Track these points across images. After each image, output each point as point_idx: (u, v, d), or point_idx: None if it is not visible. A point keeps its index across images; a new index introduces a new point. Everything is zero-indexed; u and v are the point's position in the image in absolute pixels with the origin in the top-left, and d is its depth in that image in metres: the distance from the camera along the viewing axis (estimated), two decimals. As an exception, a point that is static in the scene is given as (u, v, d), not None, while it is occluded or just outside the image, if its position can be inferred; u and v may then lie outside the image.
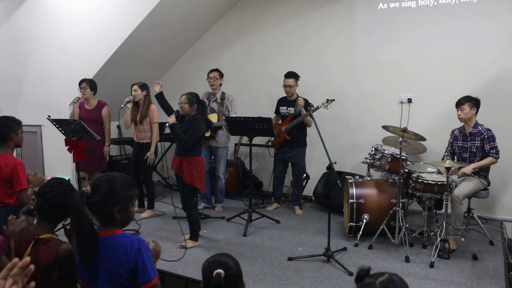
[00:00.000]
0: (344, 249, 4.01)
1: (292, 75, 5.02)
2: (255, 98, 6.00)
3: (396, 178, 4.02)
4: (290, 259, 3.79)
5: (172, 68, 6.70)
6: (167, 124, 4.03)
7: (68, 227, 2.20)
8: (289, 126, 5.01)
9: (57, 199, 2.10)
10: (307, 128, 5.14)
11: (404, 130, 3.98)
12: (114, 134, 6.53)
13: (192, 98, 4.03)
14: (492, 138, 4.02)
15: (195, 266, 3.65)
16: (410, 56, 5.13)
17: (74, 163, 4.49)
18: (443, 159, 4.34)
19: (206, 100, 5.14)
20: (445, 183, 3.77)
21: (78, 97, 5.03)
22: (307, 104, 4.87)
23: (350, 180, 4.37)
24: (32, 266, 1.16)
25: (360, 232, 4.17)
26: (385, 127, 4.27)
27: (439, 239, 3.75)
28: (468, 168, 3.97)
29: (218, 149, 5.22)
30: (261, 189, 6.10)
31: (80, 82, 5.11)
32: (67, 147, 4.35)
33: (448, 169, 3.74)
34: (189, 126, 3.99)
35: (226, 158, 5.41)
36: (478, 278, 3.42)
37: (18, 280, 1.14)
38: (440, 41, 4.95)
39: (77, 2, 5.64)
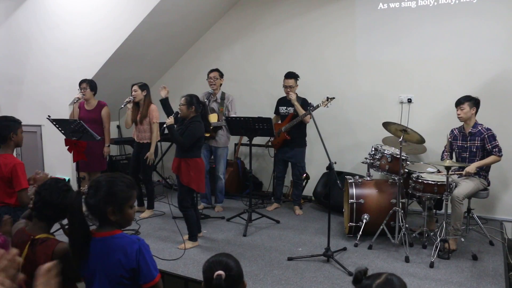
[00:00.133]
0: (344, 249, 4.01)
1: (292, 75, 5.02)
2: (255, 98, 6.00)
3: (396, 178, 4.02)
4: (290, 259, 3.79)
5: (172, 68, 6.70)
6: (164, 125, 4.05)
7: (66, 227, 2.20)
8: (289, 126, 5.01)
9: (51, 197, 2.10)
10: (307, 128, 5.14)
11: (405, 130, 3.98)
12: (114, 134, 6.53)
13: (191, 100, 4.02)
14: (492, 137, 4.03)
15: (195, 266, 3.65)
16: (410, 56, 5.13)
17: (74, 163, 4.49)
18: (442, 157, 4.34)
19: (206, 100, 5.14)
20: (445, 183, 3.77)
21: (78, 97, 5.03)
22: (307, 104, 4.88)
23: (350, 180, 4.37)
24: (20, 259, 1.15)
25: (360, 232, 4.17)
26: (386, 124, 4.24)
27: (439, 239, 3.75)
28: (472, 167, 3.97)
29: (218, 149, 5.22)
30: (261, 189, 6.10)
31: (80, 83, 5.11)
32: (67, 147, 4.35)
33: (448, 169, 3.74)
34: (186, 128, 3.99)
35: (226, 158, 5.41)
36: (478, 278, 3.42)
37: (12, 274, 1.13)
38: (440, 41, 4.95)
39: (77, 2, 5.64)
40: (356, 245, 4.10)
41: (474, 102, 4.11)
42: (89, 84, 5.07)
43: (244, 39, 6.12)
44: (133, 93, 4.85)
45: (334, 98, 4.83)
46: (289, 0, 5.75)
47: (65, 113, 5.56)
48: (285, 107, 5.16)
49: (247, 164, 5.84)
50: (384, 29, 5.23)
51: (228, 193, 5.66)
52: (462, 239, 3.96)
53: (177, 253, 3.94)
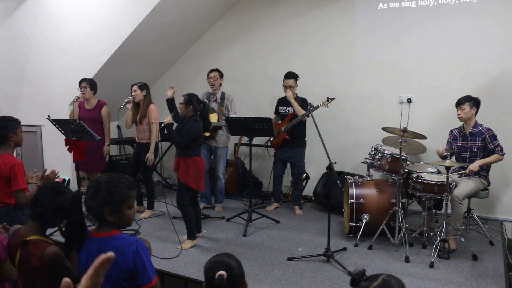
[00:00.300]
0: (344, 249, 4.01)
1: (291, 75, 5.02)
2: (255, 98, 6.00)
3: (396, 178, 4.02)
4: (290, 259, 3.79)
5: (172, 68, 6.70)
6: (162, 124, 4.06)
7: (63, 228, 2.20)
8: (288, 126, 5.01)
9: (42, 198, 2.13)
10: (307, 128, 5.14)
11: (404, 130, 3.98)
12: (114, 134, 6.53)
13: (189, 99, 4.03)
14: (493, 137, 4.03)
15: (195, 266, 3.65)
16: (410, 56, 5.13)
17: (74, 163, 4.49)
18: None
19: (206, 100, 5.14)
20: (445, 183, 3.77)
21: (78, 96, 5.03)
22: (306, 103, 4.88)
23: (350, 180, 4.37)
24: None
25: (360, 232, 4.17)
26: (384, 129, 4.27)
27: (439, 239, 3.75)
28: (475, 165, 3.97)
29: (218, 149, 5.22)
30: (261, 189, 6.09)
31: (80, 82, 5.12)
32: (67, 147, 4.35)
33: (448, 169, 3.74)
34: (183, 127, 4.00)
35: (226, 158, 5.41)
36: (478, 278, 3.42)
37: None
38: (440, 41, 4.95)
39: (77, 2, 5.64)
40: (356, 245, 4.10)
41: (474, 102, 4.11)
42: (89, 83, 5.08)
43: (244, 39, 6.12)
44: (133, 93, 4.85)
45: (334, 98, 4.83)
46: (289, 0, 5.75)
47: (65, 113, 5.55)
48: (285, 107, 5.16)
49: (247, 164, 5.84)
50: (384, 29, 5.23)
51: (228, 193, 5.66)
52: (462, 239, 3.96)
53: (177, 253, 3.93)
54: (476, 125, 4.13)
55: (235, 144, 6.12)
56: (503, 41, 4.69)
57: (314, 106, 4.68)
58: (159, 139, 5.00)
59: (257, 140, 5.28)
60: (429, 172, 4.28)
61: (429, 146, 4.71)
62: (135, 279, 1.80)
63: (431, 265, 3.61)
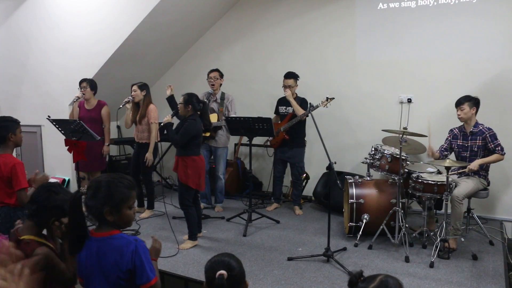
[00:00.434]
0: (344, 249, 4.01)
1: (291, 75, 5.03)
2: (255, 98, 6.00)
3: (396, 178, 4.02)
4: (290, 259, 3.79)
5: (172, 68, 6.70)
6: (162, 124, 4.06)
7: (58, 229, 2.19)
8: (288, 126, 5.01)
9: (37, 197, 2.15)
10: (307, 128, 5.14)
11: (404, 130, 3.98)
12: (114, 134, 6.53)
13: (188, 99, 4.03)
14: (494, 137, 4.03)
15: (195, 266, 3.65)
16: (410, 56, 5.13)
17: (74, 163, 4.49)
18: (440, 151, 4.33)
19: (206, 100, 5.14)
20: (445, 183, 3.77)
21: (78, 96, 5.04)
22: (306, 103, 4.89)
23: (350, 180, 4.37)
24: (17, 252, 1.14)
25: (360, 232, 4.17)
26: (385, 131, 4.26)
27: (439, 239, 3.75)
28: (475, 164, 3.97)
29: (218, 149, 5.22)
30: (261, 189, 6.09)
31: (80, 82, 5.12)
32: (67, 147, 4.35)
33: (448, 169, 3.74)
34: (181, 126, 4.01)
35: (226, 158, 5.41)
36: (478, 278, 3.42)
37: (12, 267, 1.13)
38: (440, 41, 4.95)
39: (77, 2, 5.64)
40: (356, 245, 4.10)
41: (474, 102, 4.11)
42: (89, 84, 5.08)
43: (244, 39, 6.12)
44: (133, 93, 4.85)
45: (333, 98, 4.83)
46: (289, 0, 5.75)
47: (65, 113, 5.55)
48: (285, 107, 5.16)
49: (247, 164, 5.84)
50: (384, 29, 5.23)
51: (228, 193, 5.66)
52: (462, 239, 3.96)
53: (177, 253, 3.94)
54: (476, 124, 4.13)
55: (235, 144, 6.12)
56: (503, 41, 4.69)
57: (314, 105, 4.68)
58: (159, 139, 5.00)
59: (257, 140, 5.28)
60: (429, 172, 4.27)
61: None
62: (134, 279, 1.80)
63: (431, 265, 3.61)
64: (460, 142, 4.23)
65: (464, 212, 4.11)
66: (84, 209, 1.85)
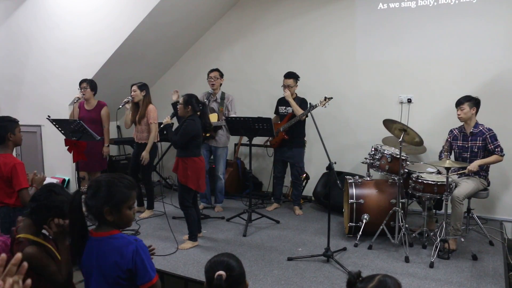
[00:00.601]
0: (344, 249, 4.01)
1: (291, 75, 5.03)
2: (255, 98, 6.00)
3: (396, 178, 4.02)
4: (290, 259, 3.79)
5: (172, 68, 6.70)
6: (161, 125, 4.07)
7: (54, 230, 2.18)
8: (287, 126, 5.01)
9: (34, 193, 2.18)
10: (306, 128, 5.14)
11: (404, 130, 3.98)
12: (114, 134, 6.53)
13: (188, 99, 4.03)
14: (494, 137, 4.03)
15: (195, 266, 3.65)
16: (410, 56, 5.13)
17: (74, 163, 4.49)
18: (440, 156, 4.33)
19: (206, 100, 5.14)
20: (445, 183, 3.77)
21: (78, 97, 5.04)
22: (306, 104, 4.88)
23: (350, 180, 4.37)
24: (25, 263, 1.15)
25: (360, 232, 4.17)
26: (386, 122, 4.18)
27: (439, 239, 3.75)
28: (474, 165, 3.97)
29: (218, 149, 5.22)
30: (261, 189, 6.10)
31: (80, 82, 5.12)
32: (67, 147, 4.35)
33: (448, 169, 3.74)
34: (181, 127, 4.01)
35: (226, 158, 5.41)
36: (478, 278, 3.42)
37: (18, 280, 1.13)
38: (440, 41, 4.95)
39: (77, 2, 5.64)
40: (356, 245, 4.10)
41: (474, 102, 4.11)
42: (89, 84, 5.08)
43: (244, 39, 6.12)
44: (132, 93, 4.84)
45: (331, 98, 4.84)
46: (289, 0, 5.75)
47: (65, 113, 5.56)
48: (284, 107, 5.16)
49: (247, 164, 5.84)
50: (384, 29, 5.23)
51: (228, 193, 5.66)
52: (462, 239, 3.96)
53: (178, 253, 3.94)
54: (476, 125, 4.13)
55: (235, 144, 6.12)
56: (503, 41, 4.69)
57: (313, 105, 4.68)
58: (158, 139, 5.00)
59: (257, 140, 5.28)
60: (429, 172, 4.28)
61: (429, 146, 4.72)
62: (135, 279, 1.80)
63: (431, 265, 3.61)
64: (460, 143, 4.23)
65: (464, 212, 4.11)
66: (84, 208, 1.85)
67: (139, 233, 4.46)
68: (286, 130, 5.03)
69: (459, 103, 4.13)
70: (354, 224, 4.23)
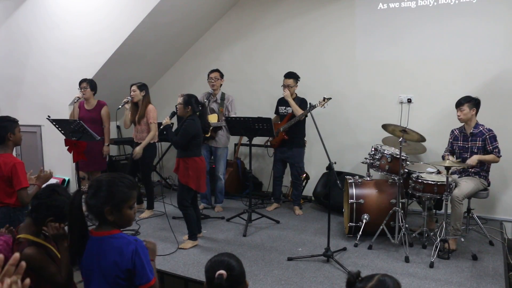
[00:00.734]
0: (344, 249, 4.01)
1: (291, 75, 5.03)
2: (255, 98, 6.00)
3: (396, 178, 4.02)
4: (290, 259, 3.79)
5: (172, 68, 6.70)
6: (161, 126, 4.07)
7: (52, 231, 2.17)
8: (287, 126, 5.01)
9: (37, 192, 2.21)
10: (306, 128, 5.14)
11: (404, 130, 3.98)
12: (113, 134, 6.53)
13: (188, 99, 4.03)
14: (494, 138, 4.04)
15: (195, 266, 3.65)
16: (410, 56, 5.13)
17: (74, 163, 4.49)
18: (443, 158, 4.34)
19: (206, 100, 5.14)
20: (445, 183, 3.77)
21: (78, 97, 5.04)
22: (306, 104, 4.88)
23: (350, 180, 4.37)
24: (23, 263, 1.15)
25: (360, 232, 4.17)
26: (385, 126, 4.27)
27: (439, 239, 3.75)
28: (473, 159, 3.97)
29: (218, 149, 5.22)
30: (261, 189, 6.10)
31: (80, 82, 5.12)
32: (67, 147, 4.35)
33: (448, 169, 3.74)
34: (180, 127, 4.01)
35: (226, 158, 5.41)
36: (478, 278, 3.42)
37: (16, 280, 1.13)
38: (440, 41, 4.95)
39: (77, 2, 5.64)
40: (356, 245, 4.10)
41: (474, 103, 4.11)
42: (89, 84, 5.08)
43: (244, 39, 6.12)
44: (132, 93, 4.85)
45: (330, 98, 4.84)
46: (289, 0, 5.75)
47: (65, 113, 5.56)
48: (284, 107, 5.16)
49: (247, 164, 5.84)
50: (384, 29, 5.23)
51: (228, 193, 5.66)
52: (462, 239, 3.96)
53: (178, 253, 3.94)
54: (477, 125, 4.13)
55: (235, 144, 6.12)
56: (503, 42, 4.69)
57: (312, 105, 4.68)
58: (158, 139, 4.99)
59: (257, 140, 5.29)
60: (429, 172, 4.28)
61: (429, 146, 4.72)
62: (133, 279, 1.79)
63: (431, 265, 3.61)
64: (460, 143, 4.23)
65: (464, 212, 4.11)
66: (84, 208, 1.85)
67: (139, 233, 4.45)
68: (286, 130, 5.03)
69: (459, 104, 4.13)
70: (354, 224, 4.23)
